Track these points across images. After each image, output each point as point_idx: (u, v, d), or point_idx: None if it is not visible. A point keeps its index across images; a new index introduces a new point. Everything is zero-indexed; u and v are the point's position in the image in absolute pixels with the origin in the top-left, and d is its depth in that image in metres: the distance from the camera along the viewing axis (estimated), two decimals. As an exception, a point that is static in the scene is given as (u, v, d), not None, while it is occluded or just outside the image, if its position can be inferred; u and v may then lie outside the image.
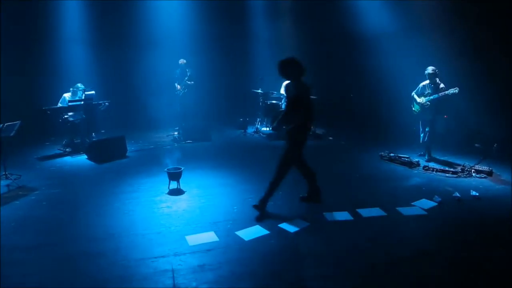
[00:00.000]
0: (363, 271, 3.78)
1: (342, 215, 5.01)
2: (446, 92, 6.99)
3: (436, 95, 7.14)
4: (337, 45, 11.69)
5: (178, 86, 10.21)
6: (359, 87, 11.10)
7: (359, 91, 11.06)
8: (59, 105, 8.34)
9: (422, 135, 7.64)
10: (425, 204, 5.37)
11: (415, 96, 7.55)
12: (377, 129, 10.13)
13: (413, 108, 7.65)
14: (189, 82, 10.08)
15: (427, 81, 7.34)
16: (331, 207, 5.23)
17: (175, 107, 10.40)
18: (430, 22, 9.20)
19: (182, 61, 10.29)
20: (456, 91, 6.89)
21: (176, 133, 9.88)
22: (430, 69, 7.22)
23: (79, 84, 8.48)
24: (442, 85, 7.16)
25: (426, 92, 7.36)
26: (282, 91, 10.33)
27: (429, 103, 7.27)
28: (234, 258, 3.99)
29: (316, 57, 11.78)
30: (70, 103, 8.06)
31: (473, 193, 5.69)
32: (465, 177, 6.57)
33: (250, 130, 10.61)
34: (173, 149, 8.73)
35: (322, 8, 11.57)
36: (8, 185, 6.14)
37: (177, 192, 5.86)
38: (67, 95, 8.40)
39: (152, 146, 9.03)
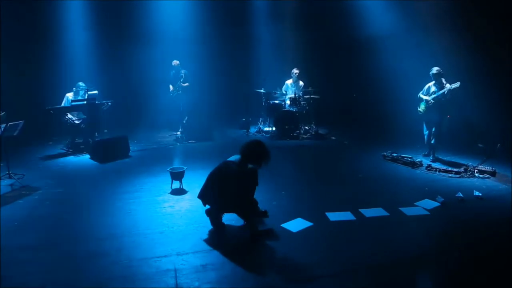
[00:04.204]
0: (366, 271, 3.77)
1: (345, 215, 5.00)
2: (448, 87, 6.99)
3: (439, 92, 7.12)
4: (340, 45, 11.70)
5: (171, 87, 10.22)
6: (362, 87, 11.10)
7: (362, 91, 11.07)
8: (63, 105, 8.36)
9: (426, 133, 7.62)
10: (428, 204, 5.36)
11: (422, 96, 7.50)
12: (380, 129, 10.12)
13: (419, 109, 7.60)
14: (183, 85, 10.01)
15: (433, 82, 7.33)
16: (333, 207, 5.22)
17: (170, 108, 10.39)
18: (433, 22, 9.18)
19: (175, 62, 10.27)
20: (458, 85, 6.89)
21: (178, 132, 9.89)
22: (434, 70, 7.22)
23: (80, 83, 8.47)
24: (447, 85, 7.12)
25: (431, 92, 7.34)
26: (283, 89, 10.36)
27: (432, 100, 7.23)
28: (237, 258, 3.99)
29: (319, 57, 11.81)
30: (73, 103, 8.09)
31: (476, 193, 5.68)
32: (468, 177, 6.55)
33: (253, 130, 10.61)
34: (175, 149, 8.75)
35: (325, 9, 11.56)
36: (11, 185, 6.16)
37: (180, 191, 5.87)
38: (69, 95, 8.41)
39: (154, 146, 9.04)
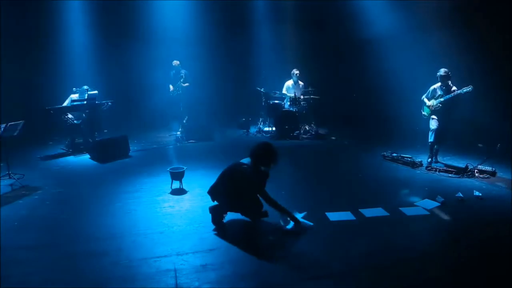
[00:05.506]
0: (366, 271, 3.77)
1: (345, 215, 5.00)
2: (459, 91, 6.73)
3: (448, 96, 6.86)
4: (340, 45, 11.70)
5: (171, 87, 10.23)
6: (362, 87, 11.10)
7: (362, 91, 11.07)
8: (64, 105, 8.36)
9: (430, 133, 7.21)
10: (428, 204, 5.35)
11: (425, 100, 7.30)
12: (380, 129, 10.13)
13: (423, 112, 7.40)
14: (183, 85, 10.03)
15: (438, 84, 7.08)
16: (333, 207, 5.21)
17: (170, 107, 10.38)
18: (432, 21, 9.19)
19: (175, 62, 10.30)
20: (470, 89, 6.61)
21: (178, 132, 9.90)
22: (442, 71, 6.92)
23: (85, 87, 8.49)
24: (454, 88, 6.89)
25: (437, 95, 7.11)
26: (284, 90, 10.36)
27: (440, 105, 7.01)
28: (237, 258, 4.00)
29: (319, 58, 11.82)
30: (73, 103, 8.09)
31: (476, 193, 5.67)
32: (468, 177, 6.54)
33: (253, 130, 10.61)
34: (175, 149, 8.76)
35: (325, 10, 11.57)
36: (11, 185, 6.16)
37: (180, 191, 5.86)
38: (74, 96, 8.40)
39: (154, 146, 9.05)
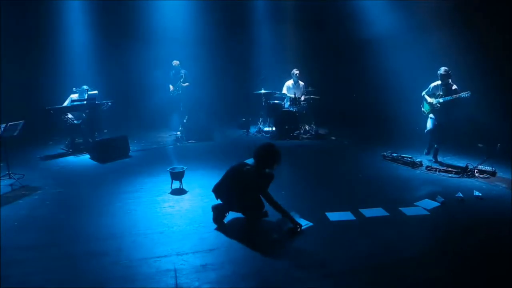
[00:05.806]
0: (366, 272, 3.77)
1: (345, 215, 5.00)
2: (458, 95, 6.78)
3: (448, 97, 6.91)
4: (340, 46, 11.69)
5: (171, 87, 10.22)
6: (362, 87, 11.10)
7: (362, 91, 11.07)
8: (64, 105, 8.36)
9: (426, 132, 7.40)
10: (428, 204, 5.35)
11: (426, 96, 7.36)
12: (380, 129, 10.12)
13: (423, 109, 7.47)
14: (183, 85, 10.03)
15: (439, 82, 7.12)
16: (333, 207, 5.21)
17: (170, 107, 10.38)
18: (432, 20, 9.18)
19: (175, 62, 10.30)
20: (468, 95, 6.68)
21: (178, 132, 9.89)
22: (442, 70, 6.94)
23: (84, 86, 8.50)
24: (454, 86, 6.93)
25: (437, 93, 7.16)
26: (284, 90, 10.35)
27: (439, 105, 7.08)
28: (237, 258, 4.00)
29: (319, 58, 11.81)
30: (73, 103, 8.09)
31: (476, 193, 5.67)
32: (468, 177, 6.54)
33: (253, 130, 10.61)
34: (175, 149, 8.76)
35: (325, 10, 11.58)
36: (11, 185, 6.16)
37: (180, 191, 5.86)
38: (74, 96, 8.40)
39: (154, 146, 9.05)
